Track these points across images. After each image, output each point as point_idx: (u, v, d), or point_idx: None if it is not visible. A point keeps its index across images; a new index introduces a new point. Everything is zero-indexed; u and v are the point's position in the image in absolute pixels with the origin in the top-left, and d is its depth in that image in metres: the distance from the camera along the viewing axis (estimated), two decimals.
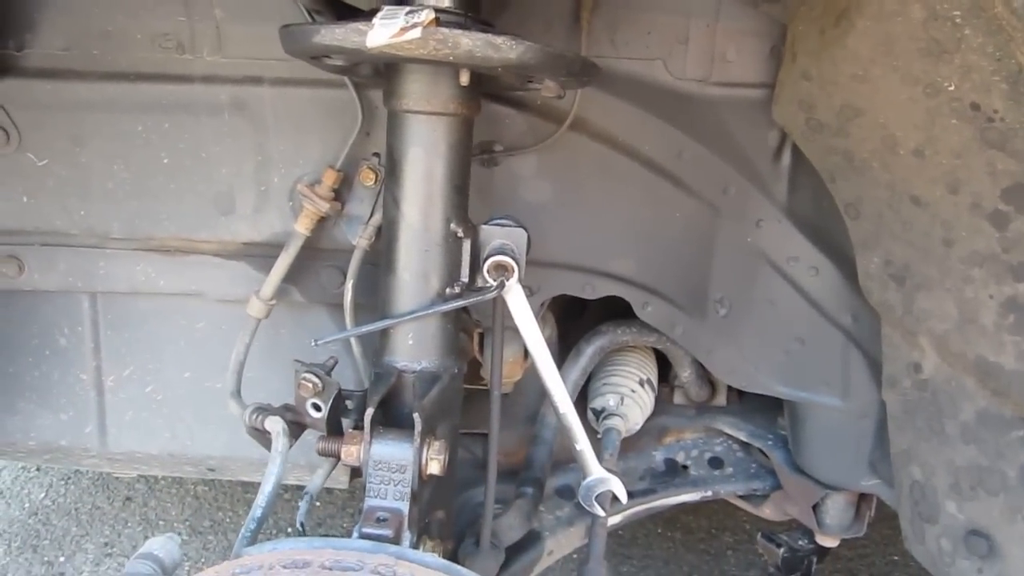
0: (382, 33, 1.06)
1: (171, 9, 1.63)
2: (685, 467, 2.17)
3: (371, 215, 1.69)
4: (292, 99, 1.67)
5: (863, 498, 2.06)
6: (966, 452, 1.58)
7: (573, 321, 2.19)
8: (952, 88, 1.29)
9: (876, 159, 1.49)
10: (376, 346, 1.50)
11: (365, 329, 1.45)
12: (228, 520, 3.28)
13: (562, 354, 2.08)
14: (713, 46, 1.62)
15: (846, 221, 1.63)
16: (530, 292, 1.77)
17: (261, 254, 1.78)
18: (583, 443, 1.57)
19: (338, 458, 1.40)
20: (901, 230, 1.54)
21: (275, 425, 1.47)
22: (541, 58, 1.20)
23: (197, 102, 1.69)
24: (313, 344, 1.46)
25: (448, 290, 1.43)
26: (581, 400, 2.10)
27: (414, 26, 1.07)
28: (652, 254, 1.78)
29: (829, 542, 2.09)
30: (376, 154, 1.66)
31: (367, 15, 1.19)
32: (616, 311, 2.00)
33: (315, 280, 1.80)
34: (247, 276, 1.81)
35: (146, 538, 1.24)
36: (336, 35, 1.16)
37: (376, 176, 1.66)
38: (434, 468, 1.35)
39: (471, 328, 1.89)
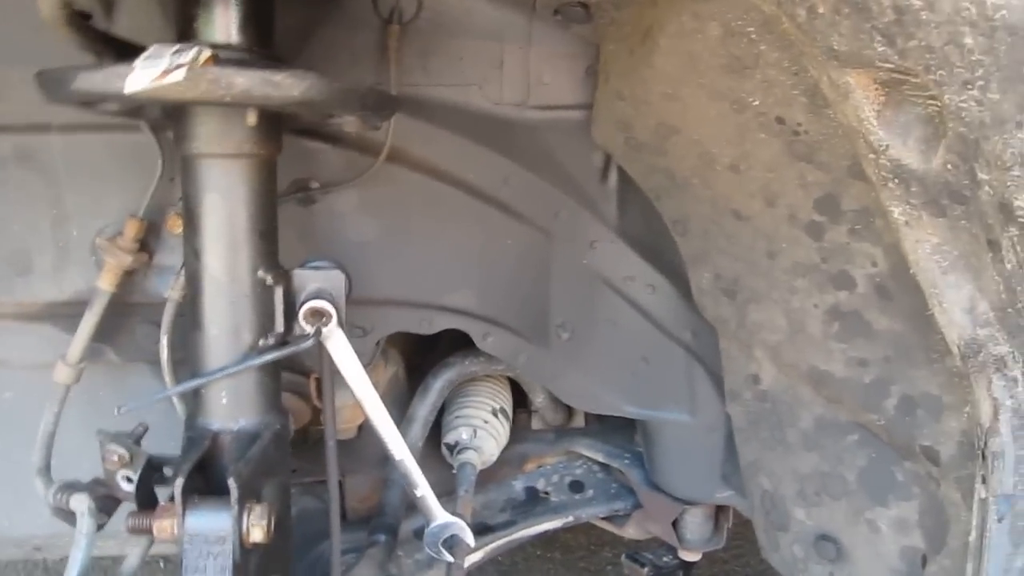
0: (142, 76, 0.97)
1: None
2: (546, 494, 2.13)
3: (183, 265, 1.57)
4: (84, 146, 1.54)
5: (720, 510, 2.07)
6: (808, 459, 1.59)
7: (427, 353, 2.12)
8: (757, 103, 1.30)
9: (696, 176, 1.49)
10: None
11: (173, 391, 1.35)
12: None
13: (413, 388, 2.01)
14: (528, 69, 1.59)
15: (676, 238, 1.63)
16: (363, 332, 1.70)
17: (67, 314, 1.64)
18: (423, 488, 1.50)
19: (151, 534, 1.28)
20: (727, 244, 1.54)
21: (80, 504, 1.34)
22: (329, 93, 1.12)
23: None
24: (116, 412, 1.34)
25: (262, 342, 1.34)
26: (435, 435, 2.03)
27: (178, 67, 0.98)
28: (488, 284, 1.73)
29: (691, 556, 2.09)
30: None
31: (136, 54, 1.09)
32: (470, 340, 1.95)
33: (130, 337, 1.67)
34: (54, 339, 1.66)
35: None
36: (95, 80, 1.05)
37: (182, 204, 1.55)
38: (257, 535, 1.25)
39: (308, 375, 1.79)
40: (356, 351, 1.42)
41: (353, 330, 1.63)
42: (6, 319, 1.66)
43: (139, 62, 1.01)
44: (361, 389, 1.42)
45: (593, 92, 1.59)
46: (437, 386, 2.00)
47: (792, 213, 1.41)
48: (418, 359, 2.08)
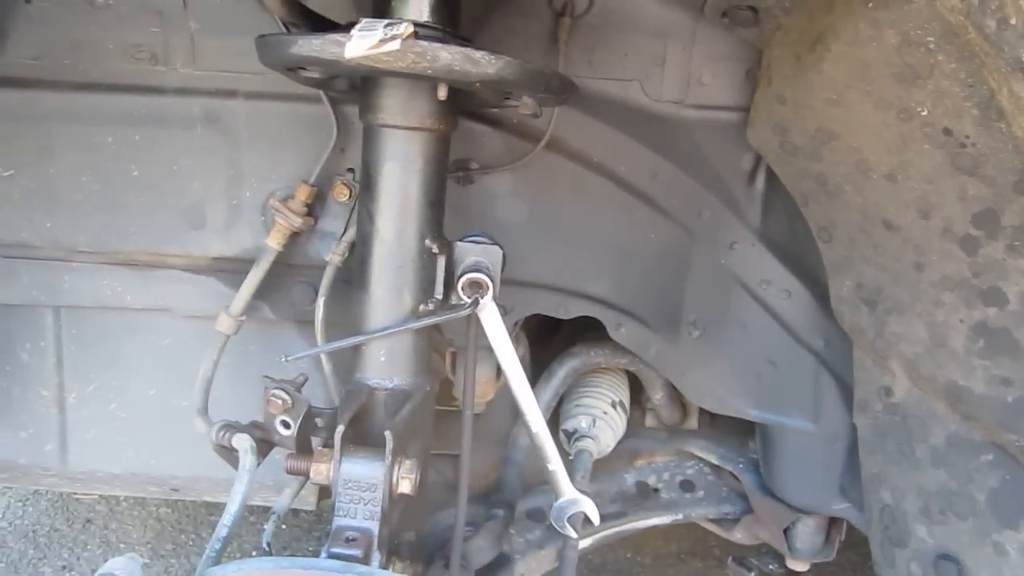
0: (360, 45, 1.06)
1: (146, 20, 1.61)
2: (656, 490, 2.16)
3: (344, 231, 1.67)
4: (266, 113, 1.66)
5: (833, 522, 2.06)
6: (936, 476, 1.58)
7: (546, 340, 2.18)
8: (925, 113, 1.31)
9: (849, 183, 1.51)
10: (347, 363, 1.48)
11: (337, 345, 1.43)
12: (191, 543, 3.21)
13: (534, 374, 2.07)
14: (689, 69, 1.63)
15: (819, 245, 1.64)
16: (504, 311, 1.76)
17: (231, 269, 1.75)
18: (556, 463, 1.55)
19: (307, 476, 1.37)
20: (873, 254, 1.55)
21: (243, 442, 1.43)
22: (520, 74, 1.19)
23: (169, 115, 1.67)
24: (283, 360, 1.43)
25: (421, 307, 1.41)
26: (553, 421, 2.08)
27: (393, 38, 1.06)
28: (626, 275, 1.78)
29: (799, 566, 2.09)
30: (351, 170, 1.65)
31: (345, 27, 1.18)
32: (589, 330, 2.00)
33: (286, 296, 1.78)
34: (216, 292, 1.78)
35: (106, 560, 1.20)
36: (313, 46, 1.14)
37: (350, 192, 1.65)
38: (405, 487, 1.32)
39: (443, 347, 1.87)
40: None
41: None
42: (175, 269, 1.78)
43: (356, 32, 1.09)
44: (509, 363, 1.48)
45: (751, 95, 1.62)
46: (561, 373, 2.05)
47: (947, 226, 1.41)
48: (534, 347, 2.14)
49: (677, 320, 1.83)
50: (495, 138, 1.66)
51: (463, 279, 1.42)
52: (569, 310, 1.80)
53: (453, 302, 1.45)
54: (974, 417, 1.50)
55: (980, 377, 1.46)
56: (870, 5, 1.24)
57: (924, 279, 1.48)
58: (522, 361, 2.06)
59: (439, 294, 1.43)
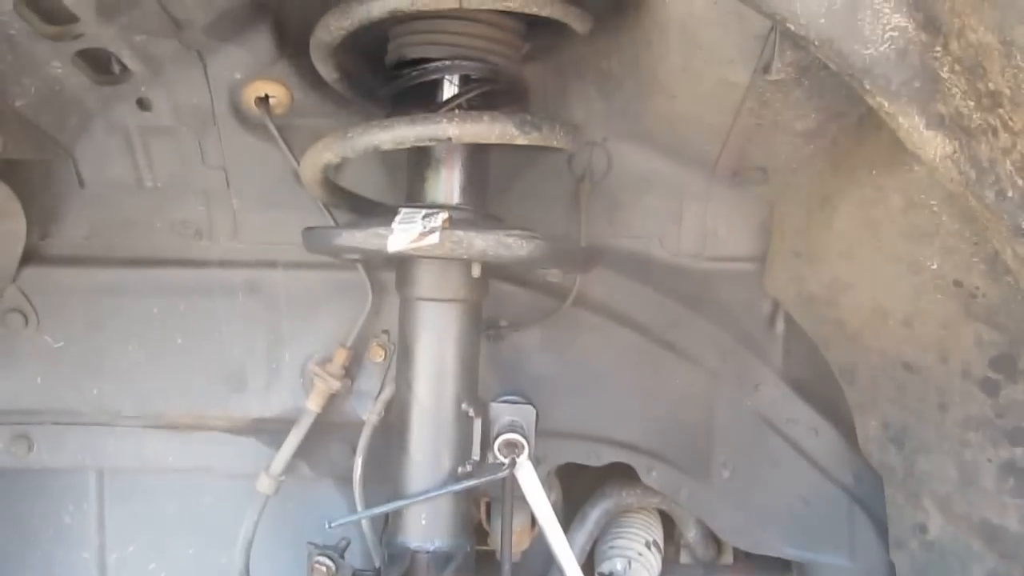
0: (402, 238, 1.14)
1: (192, 199, 1.72)
2: None
3: (380, 390, 1.73)
4: (304, 281, 1.74)
5: None
6: None
7: (577, 475, 2.20)
8: (935, 267, 1.37)
9: (867, 328, 1.56)
10: (387, 524, 1.51)
11: (379, 510, 1.47)
12: None
13: (566, 513, 2.08)
14: (705, 223, 1.72)
15: (842, 385, 1.69)
16: (537, 461, 1.79)
17: (271, 429, 1.80)
18: None
19: None
20: (896, 394, 1.59)
21: None
22: (549, 254, 1.27)
23: (213, 285, 1.75)
24: (327, 527, 1.47)
25: (460, 469, 1.46)
26: (588, 563, 2.08)
27: (432, 231, 1.14)
28: (655, 420, 1.82)
29: None
30: (385, 331, 1.72)
31: (381, 208, 1.27)
32: (619, 469, 2.02)
33: (324, 455, 1.82)
34: (255, 451, 1.82)
35: None
36: (357, 239, 1.23)
37: (385, 352, 1.72)
38: None
39: (478, 497, 1.90)
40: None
41: None
42: (216, 431, 1.83)
43: (396, 225, 1.18)
44: (546, 519, 1.51)
45: (765, 245, 1.70)
46: (594, 516, 2.06)
47: (966, 369, 1.46)
48: (565, 485, 2.16)
49: (708, 461, 1.85)
50: (523, 297, 1.73)
51: (499, 440, 1.47)
52: (601, 457, 1.83)
53: (490, 461, 1.49)
54: (1012, 556, 1.50)
55: (1014, 516, 1.48)
56: (874, 172, 1.32)
57: (949, 419, 1.52)
58: (555, 506, 2.08)
59: (476, 455, 1.47)
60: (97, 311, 1.78)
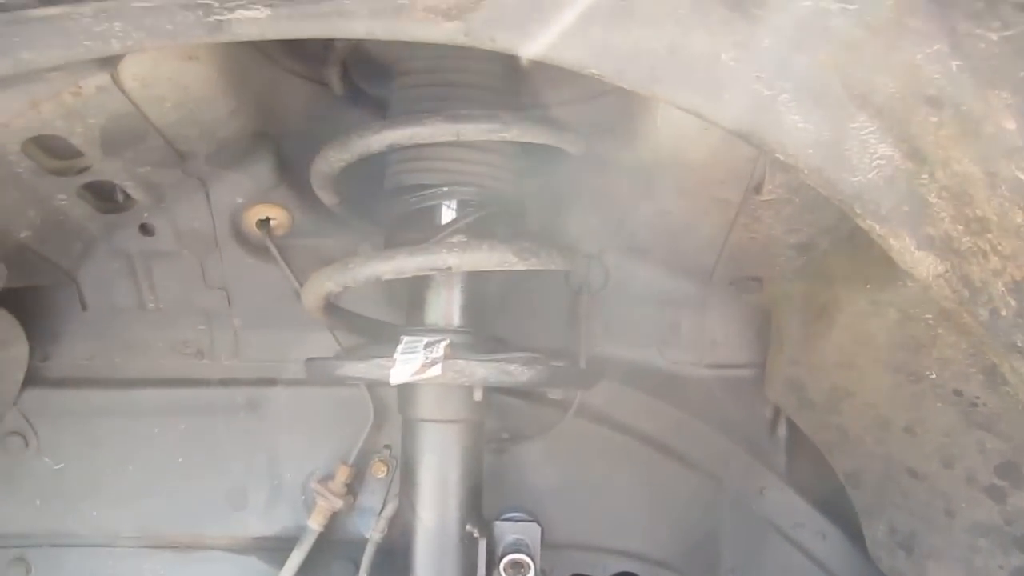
0: (404, 371, 1.14)
1: (193, 320, 1.73)
2: None
3: (383, 507, 1.71)
4: (306, 398, 1.74)
5: None
6: None
7: None
8: (934, 376, 1.38)
9: (869, 434, 1.56)
10: None
11: None
12: None
13: None
14: (703, 332, 1.73)
15: (848, 489, 1.68)
16: (543, 574, 1.77)
17: (272, 548, 1.78)
18: None
19: None
20: (902, 500, 1.58)
21: None
22: (549, 378, 1.28)
23: (214, 404, 1.75)
24: None
25: None
26: None
27: (434, 362, 1.15)
28: (660, 528, 1.80)
29: None
30: (387, 447, 1.72)
31: (383, 334, 1.28)
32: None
33: (327, 573, 1.79)
34: (257, 570, 1.80)
35: None
36: (360, 370, 1.24)
37: (387, 468, 1.71)
38: None
39: None
40: None
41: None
42: (217, 550, 1.81)
43: (399, 356, 1.19)
44: None
45: (764, 352, 1.71)
46: None
47: (971, 476, 1.45)
48: None
49: (715, 568, 1.83)
50: (525, 410, 1.74)
51: (504, 560, 1.46)
52: (607, 567, 1.81)
53: None
54: None
55: None
56: (868, 287, 1.34)
57: (957, 525, 1.51)
58: None
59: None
60: (97, 432, 1.77)
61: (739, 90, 1.05)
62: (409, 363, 1.15)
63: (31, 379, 1.75)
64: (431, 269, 1.21)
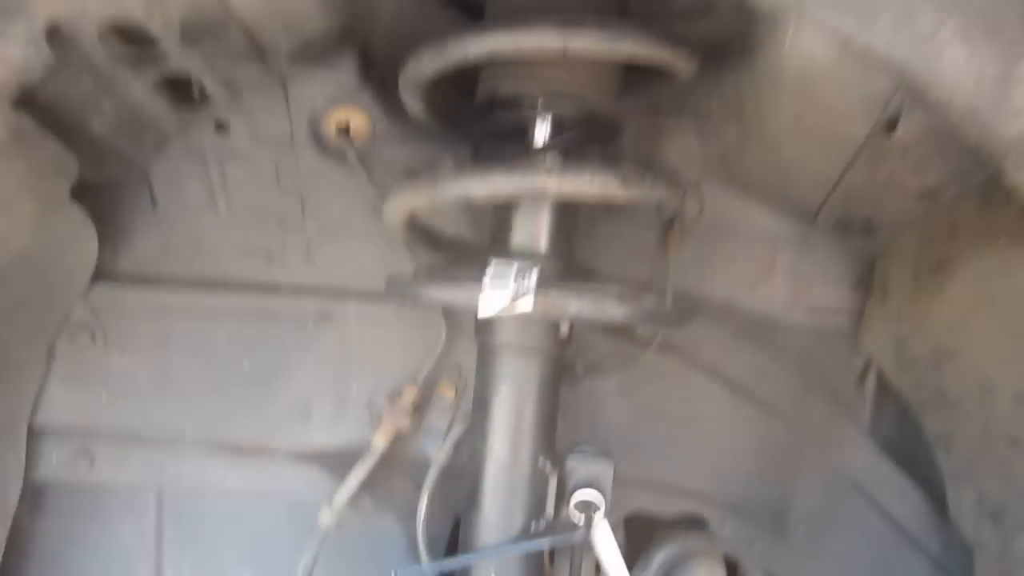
0: (494, 301, 1.07)
1: (264, 222, 1.67)
2: None
3: (449, 429, 1.67)
4: (377, 313, 1.68)
5: None
6: None
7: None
8: None
9: (971, 399, 1.47)
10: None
11: (449, 565, 1.41)
12: None
13: (627, 556, 2.01)
14: (799, 274, 1.63)
15: (936, 452, 1.59)
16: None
17: (335, 460, 1.75)
18: None
19: None
20: (997, 468, 1.49)
21: None
22: (646, 315, 1.19)
23: (283, 312, 1.70)
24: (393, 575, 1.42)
25: (533, 526, 1.39)
26: None
27: (526, 293, 1.07)
28: (732, 472, 1.74)
29: None
30: (457, 368, 1.66)
31: (467, 256, 1.20)
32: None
33: (388, 490, 1.76)
34: (318, 480, 1.77)
35: None
36: (445, 295, 1.17)
37: (456, 390, 1.66)
38: None
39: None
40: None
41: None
42: (280, 457, 1.79)
43: (488, 282, 1.11)
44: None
45: (863, 300, 1.60)
46: (658, 561, 1.99)
47: None
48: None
49: (784, 518, 1.77)
50: (602, 342, 1.66)
51: (575, 498, 1.40)
52: (673, 506, 1.76)
53: (565, 519, 1.43)
54: None
55: None
56: (1000, 242, 1.23)
57: None
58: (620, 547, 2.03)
59: (550, 514, 1.41)
60: (165, 332, 1.74)
61: (899, 15, 0.93)
62: (499, 292, 1.08)
63: (100, 274, 1.71)
64: (529, 192, 1.12)
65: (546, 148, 1.26)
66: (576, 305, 1.13)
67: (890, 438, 1.71)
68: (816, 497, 1.76)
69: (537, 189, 1.11)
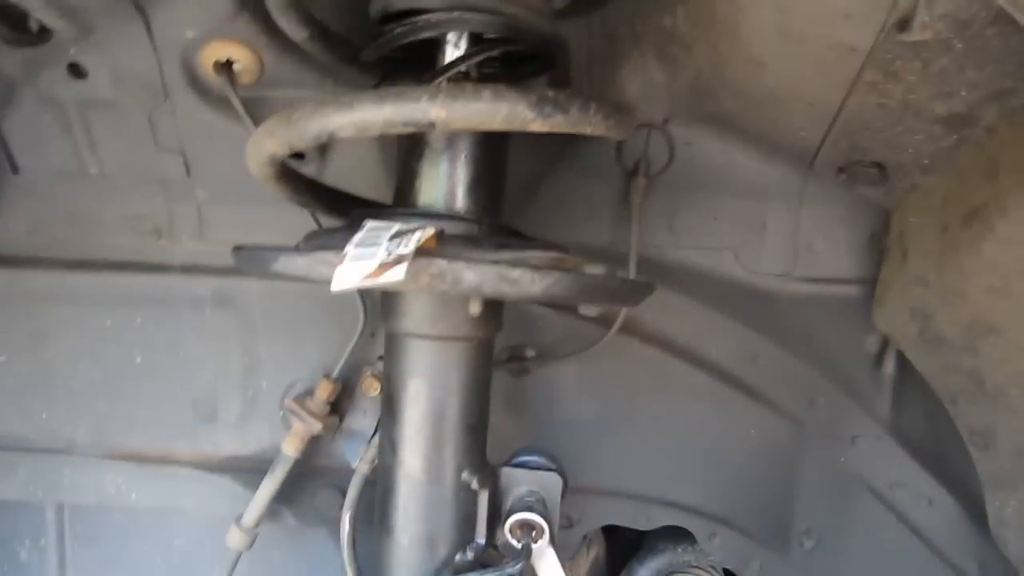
0: (352, 273, 0.78)
1: (148, 189, 1.40)
2: None
3: (374, 432, 1.38)
4: (284, 294, 1.41)
5: None
6: None
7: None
8: None
9: (1016, 386, 1.17)
10: None
11: None
12: None
13: (610, 569, 1.74)
14: (796, 234, 1.35)
15: (971, 450, 1.29)
16: (570, 523, 1.46)
17: (248, 468, 1.50)
18: None
19: None
20: None
21: None
22: (574, 289, 0.89)
23: (175, 294, 1.44)
24: None
25: (458, 557, 1.11)
26: None
27: (398, 261, 0.78)
28: (721, 478, 1.47)
29: None
30: (382, 358, 1.38)
31: (352, 225, 0.92)
32: None
33: (310, 502, 1.50)
34: (231, 492, 1.52)
35: None
36: (299, 266, 0.88)
37: (381, 385, 1.37)
38: None
39: None
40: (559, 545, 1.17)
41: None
42: (185, 466, 1.53)
43: (350, 250, 0.82)
44: None
45: (876, 265, 1.31)
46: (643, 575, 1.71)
47: None
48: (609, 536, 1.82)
49: (786, 529, 1.50)
50: (556, 322, 1.38)
51: (512, 520, 1.12)
52: (651, 519, 1.49)
53: (500, 542, 1.14)
54: None
55: None
56: None
57: None
58: (596, 561, 1.75)
59: (482, 538, 1.12)
60: (43, 321, 1.48)
61: None
62: (363, 261, 0.78)
63: None
64: (406, 123, 0.82)
65: (448, 68, 0.96)
66: (472, 277, 0.83)
67: (913, 434, 1.45)
68: (823, 505, 1.50)
69: (417, 117, 0.81)
